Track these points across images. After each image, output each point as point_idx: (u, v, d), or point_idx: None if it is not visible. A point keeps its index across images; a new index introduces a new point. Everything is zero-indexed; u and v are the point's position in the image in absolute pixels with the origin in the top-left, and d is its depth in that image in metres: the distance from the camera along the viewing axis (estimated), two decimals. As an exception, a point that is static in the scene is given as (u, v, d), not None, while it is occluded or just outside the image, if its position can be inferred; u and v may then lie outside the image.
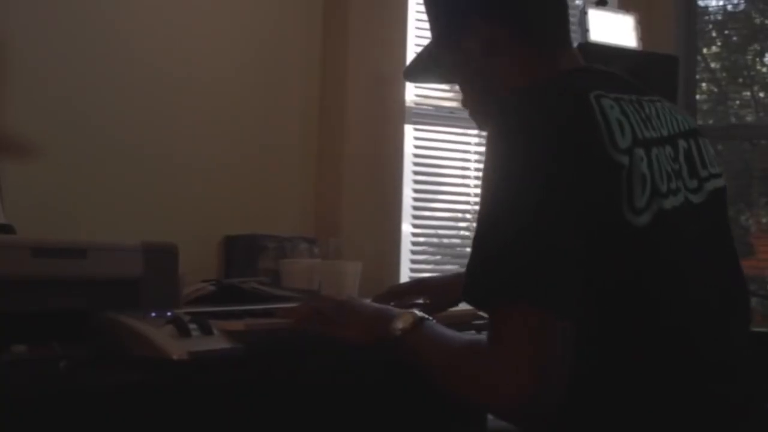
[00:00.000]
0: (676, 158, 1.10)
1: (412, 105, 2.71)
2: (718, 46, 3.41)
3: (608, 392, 0.99)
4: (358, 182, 2.54)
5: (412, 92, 2.71)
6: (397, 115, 2.63)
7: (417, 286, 1.59)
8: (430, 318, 1.12)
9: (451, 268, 2.83)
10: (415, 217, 2.72)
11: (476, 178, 2.85)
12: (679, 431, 1.00)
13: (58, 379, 0.97)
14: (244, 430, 1.19)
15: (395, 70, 2.61)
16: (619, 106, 1.03)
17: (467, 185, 2.84)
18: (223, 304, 1.46)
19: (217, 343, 1.10)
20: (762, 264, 3.02)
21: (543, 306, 0.91)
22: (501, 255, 0.94)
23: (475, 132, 2.87)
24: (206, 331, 1.10)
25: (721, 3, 3.31)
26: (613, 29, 2.66)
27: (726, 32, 3.37)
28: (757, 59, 3.40)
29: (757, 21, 3.38)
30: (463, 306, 1.72)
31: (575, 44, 2.32)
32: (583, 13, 2.57)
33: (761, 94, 3.35)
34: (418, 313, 1.13)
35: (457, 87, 2.89)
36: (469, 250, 2.88)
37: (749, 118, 3.34)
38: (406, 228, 2.68)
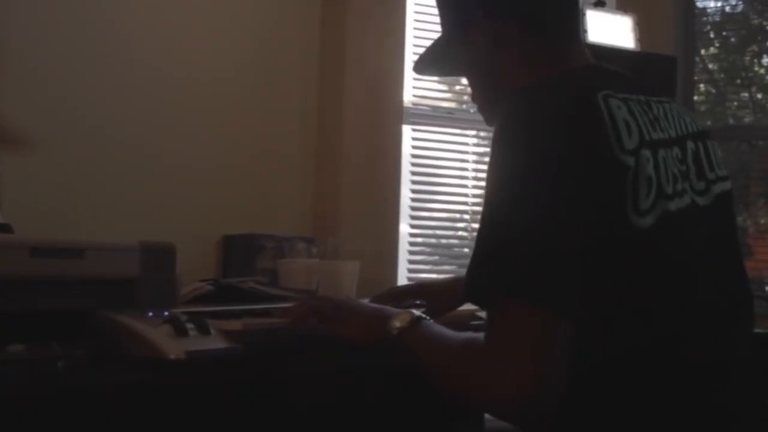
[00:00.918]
0: (684, 160, 1.09)
1: (410, 105, 2.71)
2: (716, 47, 3.41)
3: (610, 393, 0.99)
4: (356, 182, 2.54)
5: (410, 92, 2.71)
6: (394, 115, 2.63)
7: (416, 288, 1.59)
8: (428, 318, 1.12)
9: (449, 268, 2.83)
10: (413, 217, 2.72)
11: (474, 178, 2.85)
12: None
13: (56, 379, 0.97)
14: (242, 429, 1.19)
15: (393, 70, 2.61)
16: (627, 106, 1.02)
17: (465, 185, 2.84)
18: (220, 304, 1.45)
19: (214, 342, 1.10)
20: (760, 265, 3.03)
21: (543, 306, 0.90)
22: (503, 254, 0.93)
23: (473, 133, 2.87)
24: (204, 330, 1.10)
25: (719, 4, 3.31)
26: (612, 30, 2.66)
27: (724, 33, 3.37)
28: (755, 60, 3.41)
29: (755, 22, 3.38)
30: (462, 307, 1.72)
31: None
32: (582, 14, 2.57)
33: (759, 95, 3.35)
34: (416, 312, 1.13)
35: (456, 88, 2.91)
36: (466, 250, 2.89)
37: (747, 119, 3.35)
38: (404, 228, 2.68)
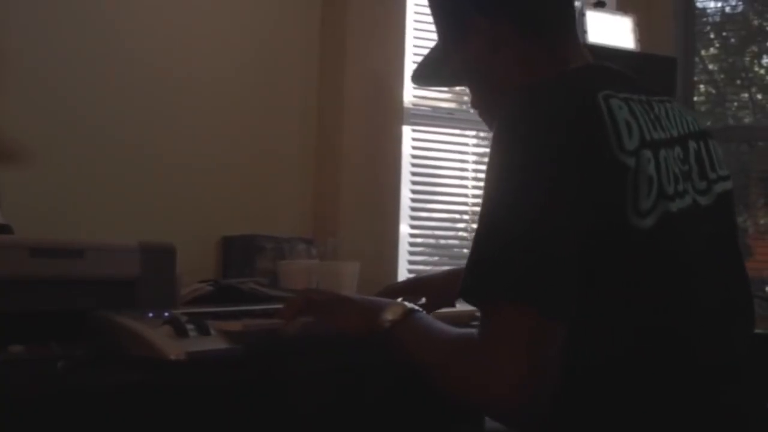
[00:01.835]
0: (686, 159, 1.09)
1: (410, 106, 2.71)
2: (716, 48, 3.42)
3: (609, 394, 0.98)
4: (356, 183, 2.54)
5: (410, 93, 2.71)
6: (394, 115, 2.63)
7: (413, 284, 1.59)
8: (421, 310, 1.12)
9: (449, 268, 2.82)
10: (413, 218, 2.72)
11: (474, 179, 2.85)
12: None
13: (56, 379, 0.97)
14: (242, 430, 1.19)
15: (393, 71, 2.61)
16: (628, 106, 1.01)
17: (465, 186, 2.84)
18: (220, 305, 1.45)
19: (214, 343, 1.10)
20: (760, 265, 3.03)
21: (538, 308, 0.90)
22: (499, 255, 0.93)
23: (473, 133, 2.87)
24: (204, 331, 1.10)
25: (719, 5, 3.31)
26: (612, 31, 2.66)
27: (724, 34, 3.38)
28: (755, 61, 3.41)
29: (755, 23, 3.38)
30: (461, 306, 1.72)
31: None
32: (581, 15, 2.57)
33: (759, 96, 3.36)
34: (408, 304, 1.12)
35: (455, 89, 2.90)
36: (466, 250, 2.88)
37: (747, 120, 3.35)
38: (404, 229, 2.68)
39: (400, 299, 1.18)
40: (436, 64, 1.32)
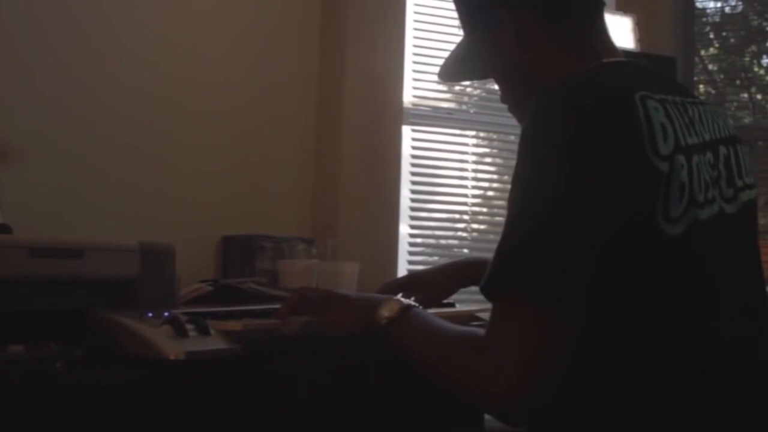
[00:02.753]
0: (716, 165, 1.07)
1: (410, 106, 2.71)
2: (715, 48, 3.42)
3: (625, 398, 0.97)
4: (356, 183, 2.54)
5: (410, 93, 2.71)
6: (394, 115, 2.63)
7: (411, 280, 1.59)
8: (418, 306, 1.11)
9: (449, 269, 2.82)
10: (413, 218, 2.72)
11: (474, 179, 2.85)
12: None
13: (55, 379, 0.97)
14: (241, 429, 1.19)
15: (393, 71, 2.61)
16: (664, 108, 0.99)
17: (465, 186, 2.84)
18: (220, 305, 1.45)
19: (214, 343, 1.10)
20: (764, 268, 3.03)
21: (550, 307, 0.89)
22: (521, 253, 0.92)
23: (473, 133, 2.87)
24: (203, 331, 1.10)
25: (718, 5, 3.32)
26: (611, 30, 2.66)
27: (723, 34, 3.38)
28: (755, 61, 3.41)
29: (755, 23, 3.38)
30: (461, 306, 1.72)
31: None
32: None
33: (759, 96, 3.36)
34: (404, 300, 1.12)
35: (455, 88, 2.90)
36: (466, 251, 2.88)
37: (746, 120, 3.35)
38: (404, 229, 2.68)
39: (398, 295, 1.17)
40: (463, 59, 1.29)
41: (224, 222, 2.28)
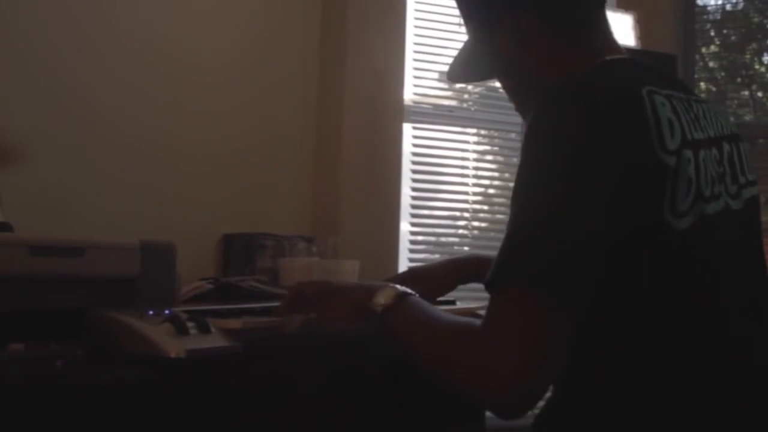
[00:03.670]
0: (721, 161, 1.07)
1: (411, 103, 2.71)
2: (716, 46, 3.41)
3: (626, 393, 0.97)
4: (357, 181, 2.54)
5: (411, 91, 2.71)
6: (395, 113, 2.63)
7: (410, 275, 1.59)
8: (415, 294, 1.11)
9: (450, 266, 2.83)
10: (414, 215, 2.72)
11: (475, 176, 2.85)
12: None
13: (56, 378, 0.97)
14: (242, 428, 1.19)
15: (394, 68, 2.61)
16: (671, 103, 0.99)
17: (466, 184, 2.84)
18: (221, 303, 1.46)
19: (214, 341, 1.10)
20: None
21: (552, 301, 0.89)
22: (524, 248, 0.92)
23: (474, 131, 2.87)
24: (204, 329, 1.10)
25: (719, 2, 3.31)
26: (612, 28, 2.65)
27: (724, 31, 3.37)
28: (756, 58, 3.41)
29: (756, 20, 3.38)
30: (461, 303, 1.72)
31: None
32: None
33: (759, 94, 3.35)
34: (400, 288, 1.12)
35: (456, 86, 2.90)
36: (467, 248, 2.88)
37: (747, 118, 3.35)
38: (405, 227, 2.68)
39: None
40: (467, 59, 1.29)
41: (225, 220, 2.28)
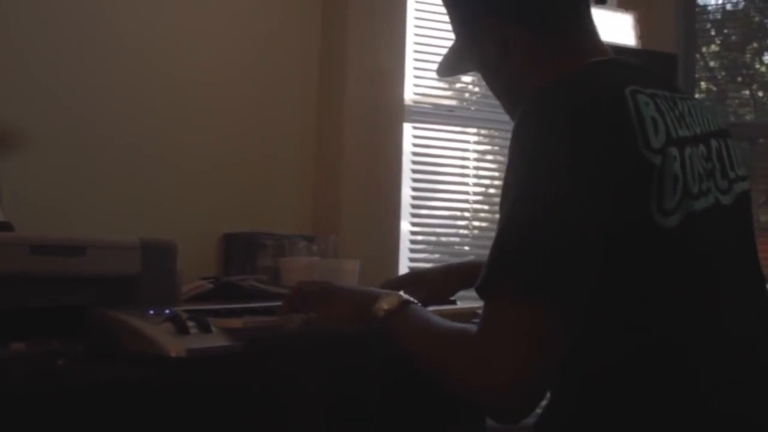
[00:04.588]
0: (709, 157, 1.07)
1: (411, 103, 2.71)
2: (717, 45, 3.41)
3: (623, 392, 0.97)
4: (357, 180, 2.54)
5: (411, 90, 2.71)
6: (395, 113, 2.63)
7: (411, 278, 1.59)
8: (417, 302, 1.12)
9: (450, 266, 2.83)
10: (414, 215, 2.72)
11: (475, 176, 2.85)
12: None
13: (57, 376, 0.97)
14: (242, 427, 1.19)
15: (394, 68, 2.61)
16: (655, 102, 1.00)
17: (466, 183, 2.84)
18: (221, 302, 1.46)
19: (215, 340, 1.10)
20: (762, 263, 3.03)
21: (544, 303, 0.90)
22: (514, 251, 0.93)
23: (474, 130, 2.87)
24: (205, 328, 1.10)
25: (720, 2, 3.31)
26: (612, 28, 2.66)
27: (725, 31, 3.37)
28: (756, 58, 3.40)
29: (756, 20, 3.38)
30: (462, 303, 1.72)
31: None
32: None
33: (760, 93, 3.35)
34: (404, 295, 1.12)
35: (456, 86, 2.90)
36: (467, 248, 2.87)
37: (748, 117, 3.35)
38: (405, 226, 2.68)
39: (400, 292, 1.17)
40: (455, 59, 1.29)
41: (225, 219, 2.28)
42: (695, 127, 1.07)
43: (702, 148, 1.06)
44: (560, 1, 1.15)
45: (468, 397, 0.95)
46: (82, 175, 2.00)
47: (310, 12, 2.57)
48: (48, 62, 1.97)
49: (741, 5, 3.33)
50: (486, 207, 2.86)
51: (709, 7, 3.31)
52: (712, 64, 3.41)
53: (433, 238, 2.80)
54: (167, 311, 1.12)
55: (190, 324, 1.09)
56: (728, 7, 3.32)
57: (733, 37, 3.38)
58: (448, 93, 2.86)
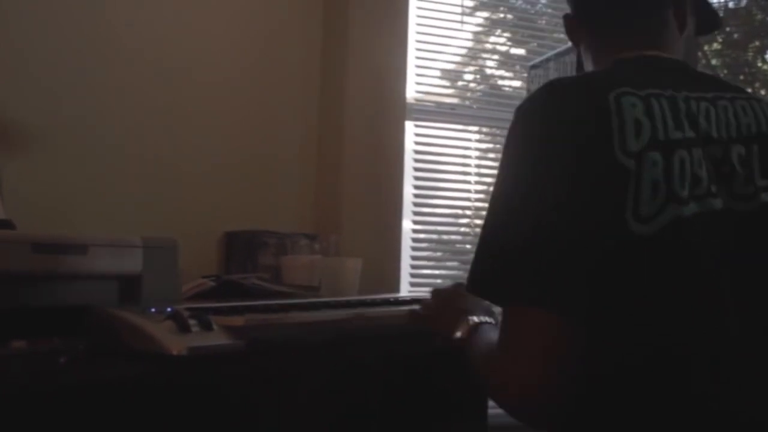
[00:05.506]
0: (726, 161, 1.04)
1: (413, 101, 2.71)
2: (719, 43, 3.41)
3: (613, 401, 0.97)
4: (359, 179, 2.54)
5: (413, 88, 2.71)
6: (397, 111, 2.63)
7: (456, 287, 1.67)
8: (491, 322, 1.20)
9: (452, 264, 2.83)
10: (416, 213, 2.72)
11: (477, 174, 2.85)
12: None
13: (58, 374, 0.97)
14: (244, 425, 1.19)
15: (396, 66, 2.61)
16: (646, 103, 1.00)
17: (468, 182, 2.83)
18: (223, 300, 1.46)
19: (216, 338, 1.10)
20: None
21: (545, 307, 0.92)
22: (501, 257, 0.96)
23: (476, 129, 2.87)
24: (206, 326, 1.10)
25: (722, 0, 3.31)
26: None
27: (727, 29, 3.37)
28: (758, 56, 3.40)
29: (758, 18, 3.37)
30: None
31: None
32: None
33: (762, 92, 3.35)
34: (478, 319, 1.21)
35: (458, 84, 2.89)
36: (469, 246, 2.88)
37: (750, 115, 3.34)
38: (407, 224, 2.68)
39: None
40: None
41: (227, 218, 2.28)
42: (712, 130, 1.05)
43: (715, 150, 1.04)
44: (608, 8, 1.21)
45: (502, 407, 0.98)
46: (84, 173, 2.01)
47: (311, 11, 2.57)
48: (48, 62, 1.97)
49: (743, 3, 3.32)
50: (487, 205, 2.85)
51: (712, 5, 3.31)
52: (714, 62, 3.40)
53: (434, 237, 2.80)
54: (168, 309, 1.12)
55: (192, 322, 1.09)
56: (730, 5, 3.31)
57: (735, 35, 3.37)
58: (450, 91, 2.86)
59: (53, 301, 1.12)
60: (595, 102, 0.98)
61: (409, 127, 2.69)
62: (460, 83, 2.91)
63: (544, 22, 3.12)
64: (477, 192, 2.84)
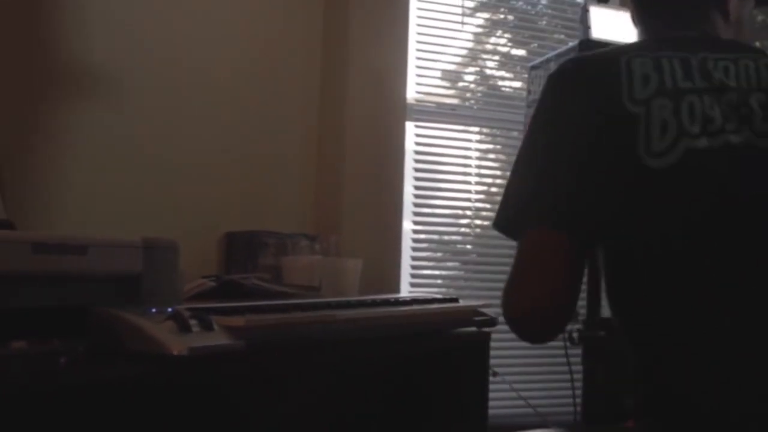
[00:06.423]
0: (745, 104, 1.09)
1: (414, 102, 2.71)
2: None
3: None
4: (359, 179, 2.54)
5: (414, 89, 2.71)
6: (398, 112, 2.63)
7: None
8: None
9: (452, 265, 2.83)
10: (416, 214, 2.72)
11: (477, 175, 2.85)
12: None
13: (58, 375, 0.97)
14: (244, 425, 1.19)
15: (397, 66, 2.61)
16: (656, 62, 1.10)
17: (468, 182, 2.83)
18: (223, 300, 1.45)
19: (217, 339, 1.10)
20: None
21: (544, 224, 1.04)
22: (514, 194, 1.11)
23: (477, 129, 2.87)
24: (207, 326, 1.10)
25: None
26: (615, 26, 2.65)
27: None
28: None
29: (759, 18, 3.37)
30: (464, 301, 1.72)
31: (577, 41, 2.31)
32: (585, 11, 2.56)
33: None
34: None
35: (459, 84, 2.89)
36: (470, 247, 2.90)
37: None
38: (407, 225, 2.68)
39: None
40: None
41: (227, 218, 2.28)
42: (727, 80, 1.11)
43: (732, 96, 1.09)
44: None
45: (511, 328, 1.07)
46: (84, 173, 2.00)
47: (312, 11, 2.57)
48: (49, 62, 1.97)
49: (744, 4, 3.32)
50: (488, 206, 2.86)
51: (712, 6, 3.30)
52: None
53: (435, 237, 2.80)
54: (169, 309, 1.12)
55: (192, 322, 1.09)
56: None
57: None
58: (451, 92, 2.86)
59: (53, 302, 1.11)
60: (607, 64, 1.12)
61: (410, 127, 2.69)
62: (460, 84, 2.91)
63: (544, 22, 3.11)
64: (477, 192, 2.84)
